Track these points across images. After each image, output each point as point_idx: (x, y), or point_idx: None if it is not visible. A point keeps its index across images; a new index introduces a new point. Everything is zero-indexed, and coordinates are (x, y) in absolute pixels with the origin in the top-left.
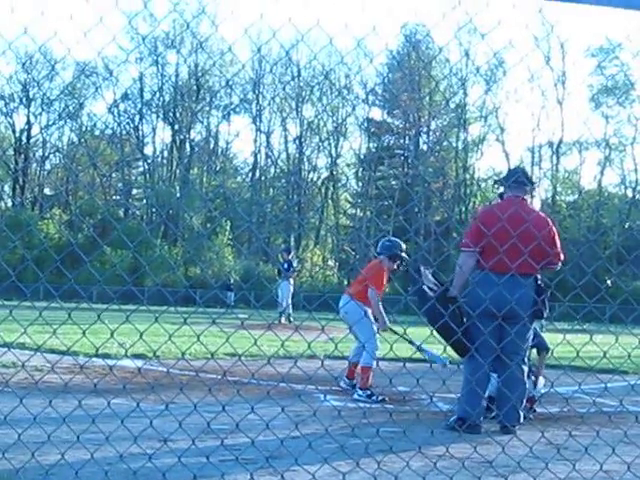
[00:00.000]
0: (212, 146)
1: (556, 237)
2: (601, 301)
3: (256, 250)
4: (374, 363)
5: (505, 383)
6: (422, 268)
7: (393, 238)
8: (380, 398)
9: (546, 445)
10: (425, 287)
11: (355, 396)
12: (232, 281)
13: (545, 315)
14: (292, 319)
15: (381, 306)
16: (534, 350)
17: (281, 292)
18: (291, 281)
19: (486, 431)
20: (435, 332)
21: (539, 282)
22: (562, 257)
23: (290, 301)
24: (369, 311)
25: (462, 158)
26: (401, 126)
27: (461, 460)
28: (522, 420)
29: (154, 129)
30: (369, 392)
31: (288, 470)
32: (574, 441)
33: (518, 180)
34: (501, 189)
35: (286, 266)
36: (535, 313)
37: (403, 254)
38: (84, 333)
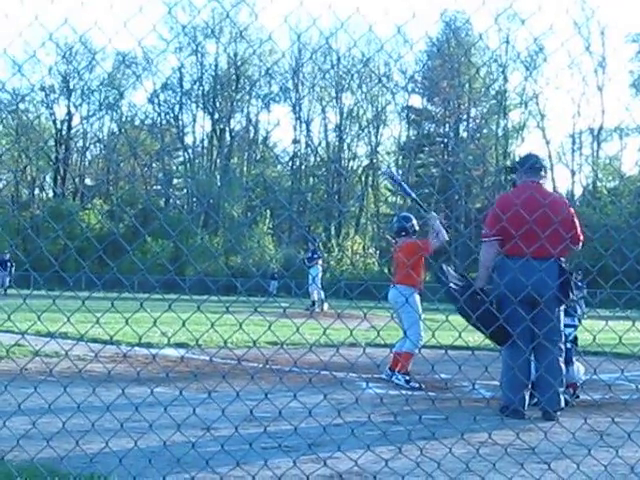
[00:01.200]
0: (252, 135)
1: (575, 219)
2: None
3: (297, 239)
4: (417, 350)
5: (541, 368)
6: (444, 266)
7: (398, 217)
8: (417, 385)
9: (589, 432)
10: (452, 285)
11: (393, 379)
12: (276, 270)
13: (571, 297)
14: (315, 306)
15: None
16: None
17: (312, 280)
18: (319, 268)
19: (529, 418)
20: (472, 326)
21: (562, 265)
22: (581, 238)
23: (320, 288)
24: (415, 295)
25: (502, 145)
26: (441, 113)
27: (504, 447)
28: (563, 405)
29: (194, 119)
30: (408, 377)
31: (331, 457)
32: (617, 427)
33: (533, 166)
34: (513, 177)
35: (309, 254)
36: (560, 296)
37: (413, 223)
38: (127, 322)
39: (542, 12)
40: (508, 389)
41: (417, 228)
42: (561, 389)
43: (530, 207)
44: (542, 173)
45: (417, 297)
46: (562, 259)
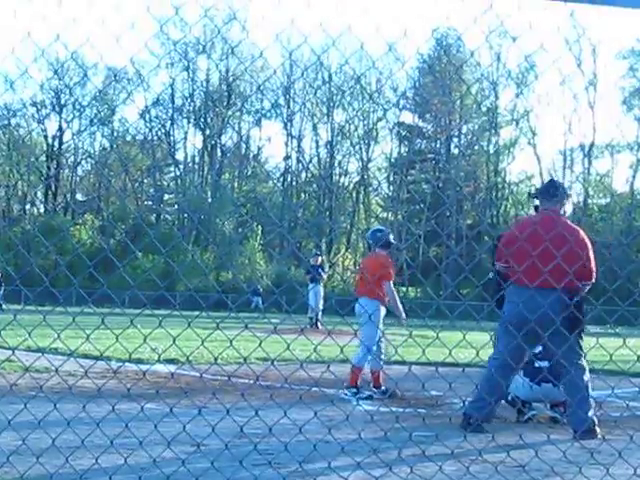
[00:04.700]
0: (243, 151)
1: (589, 253)
2: (634, 304)
3: (288, 255)
4: (366, 364)
5: (565, 391)
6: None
7: (377, 229)
8: (367, 394)
9: (579, 449)
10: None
11: (342, 394)
12: (259, 286)
13: (581, 327)
14: (320, 324)
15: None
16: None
17: (313, 296)
18: (321, 284)
19: (519, 435)
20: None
21: (571, 297)
22: (593, 274)
23: (321, 306)
24: (381, 307)
25: (493, 162)
26: (432, 130)
27: (494, 465)
28: (595, 421)
29: (185, 134)
30: (355, 390)
31: (321, 474)
32: (608, 445)
33: (551, 192)
34: (537, 202)
35: (316, 269)
36: (571, 323)
37: (391, 239)
38: (117, 338)
39: (533, 30)
40: (478, 399)
41: (392, 241)
42: (588, 407)
43: (536, 237)
44: (560, 200)
45: (382, 311)
46: (572, 291)
